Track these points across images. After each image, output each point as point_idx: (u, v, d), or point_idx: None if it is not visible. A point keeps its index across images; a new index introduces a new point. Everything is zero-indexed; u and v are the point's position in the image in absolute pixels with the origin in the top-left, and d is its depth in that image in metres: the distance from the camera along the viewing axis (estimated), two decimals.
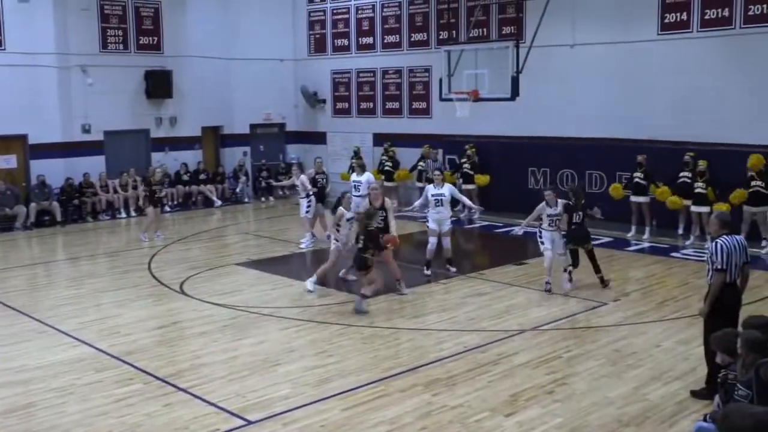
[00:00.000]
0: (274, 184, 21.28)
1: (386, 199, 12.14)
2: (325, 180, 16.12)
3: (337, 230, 11.94)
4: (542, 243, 11.75)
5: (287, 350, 9.20)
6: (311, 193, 15.39)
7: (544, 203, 11.68)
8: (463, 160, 18.89)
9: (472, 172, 18.60)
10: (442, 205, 12.63)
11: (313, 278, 11.83)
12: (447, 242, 12.88)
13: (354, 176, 15.21)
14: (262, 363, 8.74)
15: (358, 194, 14.22)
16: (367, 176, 14.90)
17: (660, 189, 15.44)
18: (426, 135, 20.22)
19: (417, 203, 13.39)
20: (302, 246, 15.25)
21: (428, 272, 12.72)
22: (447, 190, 12.80)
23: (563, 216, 11.60)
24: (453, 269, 12.93)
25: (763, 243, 14.42)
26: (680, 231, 15.60)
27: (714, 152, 15.14)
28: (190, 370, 8.57)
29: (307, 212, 15.30)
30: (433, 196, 12.72)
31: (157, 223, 16.60)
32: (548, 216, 11.65)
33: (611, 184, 16.42)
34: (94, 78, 19.87)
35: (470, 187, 18.47)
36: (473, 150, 18.77)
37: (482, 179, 18.55)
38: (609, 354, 8.90)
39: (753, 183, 14.40)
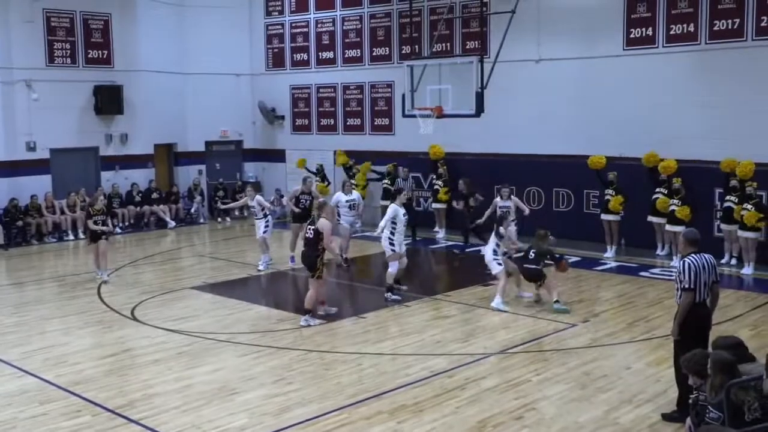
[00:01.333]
0: (221, 207, 21.01)
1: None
2: (309, 202, 15.25)
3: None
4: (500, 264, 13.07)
5: (245, 378, 9.12)
6: (269, 212, 15.36)
7: (498, 197, 14.56)
8: (433, 177, 19.04)
9: (440, 189, 18.65)
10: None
11: (498, 299, 12.06)
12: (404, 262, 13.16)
13: (344, 195, 15.53)
14: (218, 392, 8.65)
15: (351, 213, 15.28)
16: (356, 195, 15.76)
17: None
18: (389, 152, 20.31)
19: (382, 223, 13.36)
20: (260, 268, 15.18)
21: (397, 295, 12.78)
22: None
23: (512, 210, 14.25)
24: (404, 287, 13.21)
25: (732, 260, 14.78)
26: (659, 251, 15.79)
27: (683, 169, 15.40)
28: (142, 400, 8.44)
29: (265, 232, 15.22)
30: (405, 216, 12.90)
31: (103, 260, 14.68)
32: (499, 207, 14.25)
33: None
34: (40, 93, 19.63)
35: (440, 206, 18.57)
36: (445, 168, 18.86)
37: (444, 197, 18.64)
38: (578, 377, 8.98)
39: (727, 198, 14.76)
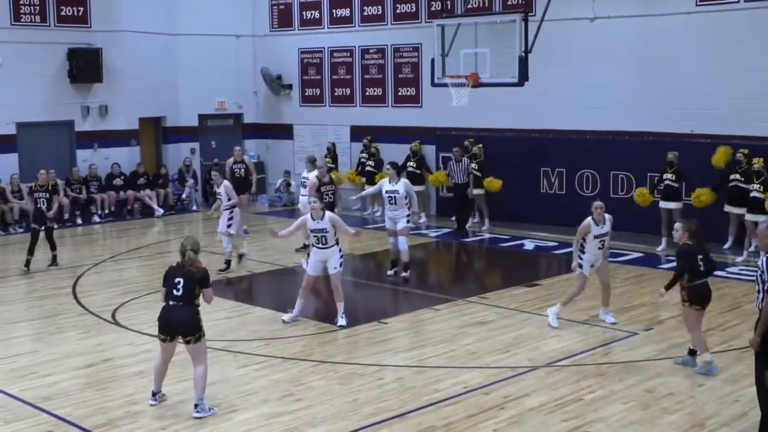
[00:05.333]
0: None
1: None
2: (243, 170, 17.45)
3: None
4: (581, 266, 11.30)
5: (245, 393, 9.15)
6: (237, 204, 14.95)
7: (589, 219, 11.11)
8: (466, 158, 19.02)
9: (479, 174, 18.52)
10: (396, 203, 13.86)
11: (556, 308, 11.45)
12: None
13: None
14: None
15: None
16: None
17: (697, 192, 15.58)
18: (415, 128, 20.27)
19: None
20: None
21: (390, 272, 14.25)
22: (402, 186, 13.95)
23: (610, 234, 11.35)
24: (405, 273, 14.09)
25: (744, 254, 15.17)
26: (727, 245, 15.73)
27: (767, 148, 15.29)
28: (124, 418, 8.50)
29: (229, 226, 14.71)
30: (387, 192, 13.93)
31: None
32: (595, 237, 11.14)
33: (637, 189, 16.51)
34: (4, 58, 19.77)
35: (479, 191, 18.51)
36: (480, 147, 18.73)
37: (494, 183, 18.53)
38: (640, 395, 8.94)
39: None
